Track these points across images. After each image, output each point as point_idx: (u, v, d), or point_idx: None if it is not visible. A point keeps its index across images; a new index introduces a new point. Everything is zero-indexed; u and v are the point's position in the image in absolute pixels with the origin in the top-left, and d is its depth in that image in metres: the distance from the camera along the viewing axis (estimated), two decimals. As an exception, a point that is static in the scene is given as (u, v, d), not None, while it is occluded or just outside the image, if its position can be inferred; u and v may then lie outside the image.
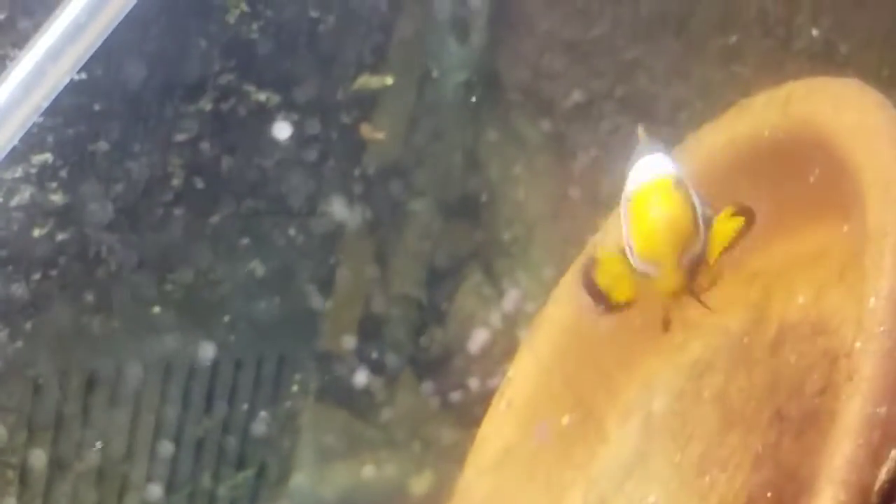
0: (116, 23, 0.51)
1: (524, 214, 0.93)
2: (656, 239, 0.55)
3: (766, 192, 0.71)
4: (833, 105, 0.67)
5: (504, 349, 0.86)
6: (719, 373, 0.71)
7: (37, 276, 0.79)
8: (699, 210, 0.57)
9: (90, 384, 0.82)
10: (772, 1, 0.82)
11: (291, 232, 0.89)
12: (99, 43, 0.52)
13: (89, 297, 0.82)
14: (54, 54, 0.49)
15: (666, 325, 0.62)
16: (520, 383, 0.79)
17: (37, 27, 0.76)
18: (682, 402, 0.72)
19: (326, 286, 0.92)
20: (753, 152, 0.72)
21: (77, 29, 0.50)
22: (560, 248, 0.87)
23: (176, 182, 0.84)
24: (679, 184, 0.56)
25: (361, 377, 0.92)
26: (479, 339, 0.89)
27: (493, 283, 0.93)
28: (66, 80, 0.52)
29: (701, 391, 0.71)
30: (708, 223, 0.57)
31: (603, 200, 0.83)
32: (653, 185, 0.56)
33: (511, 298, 0.91)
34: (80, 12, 0.50)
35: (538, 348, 0.79)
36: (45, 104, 0.51)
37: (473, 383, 0.87)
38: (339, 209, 0.91)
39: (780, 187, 0.70)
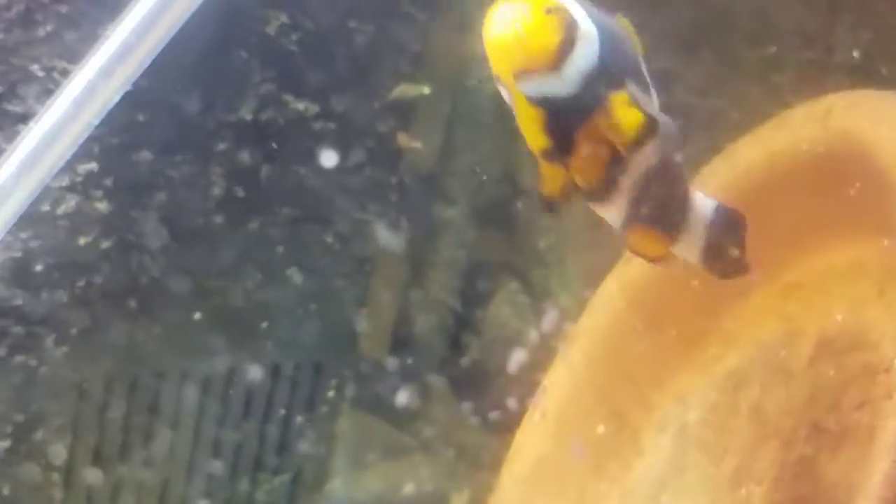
0: (164, 44, 0.53)
1: (560, 223, 0.93)
2: (490, 43, 0.50)
3: (804, 205, 0.71)
4: (873, 118, 0.67)
5: (539, 359, 0.86)
6: (755, 385, 0.71)
7: (81, 283, 0.81)
8: (585, 49, 0.51)
9: (132, 390, 0.84)
10: (810, 12, 0.82)
11: (328, 239, 0.90)
12: (147, 63, 0.53)
13: (132, 304, 0.83)
14: (106, 72, 0.51)
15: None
16: (554, 393, 0.79)
17: (82, 39, 0.78)
18: (718, 415, 0.72)
19: (362, 293, 0.92)
20: (792, 165, 0.72)
21: (127, 49, 0.51)
22: (596, 257, 0.88)
23: (216, 191, 0.85)
24: (549, 9, 0.50)
25: (396, 384, 0.93)
26: (513, 348, 0.90)
27: (529, 291, 0.94)
28: (116, 99, 0.53)
29: (736, 404, 0.71)
30: (606, 72, 0.51)
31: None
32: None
33: (546, 308, 0.91)
34: (130, 34, 0.51)
35: (573, 359, 0.79)
36: (96, 121, 0.53)
37: (509, 392, 0.87)
38: (375, 217, 0.91)
39: (818, 200, 0.70)
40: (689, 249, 0.60)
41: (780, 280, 0.73)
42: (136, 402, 0.84)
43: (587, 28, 0.52)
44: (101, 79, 0.51)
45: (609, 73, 0.52)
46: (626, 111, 0.53)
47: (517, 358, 0.89)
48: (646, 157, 0.55)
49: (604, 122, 0.53)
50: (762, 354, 0.72)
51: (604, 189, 0.55)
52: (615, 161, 0.54)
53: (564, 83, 0.51)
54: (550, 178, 0.55)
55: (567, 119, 0.52)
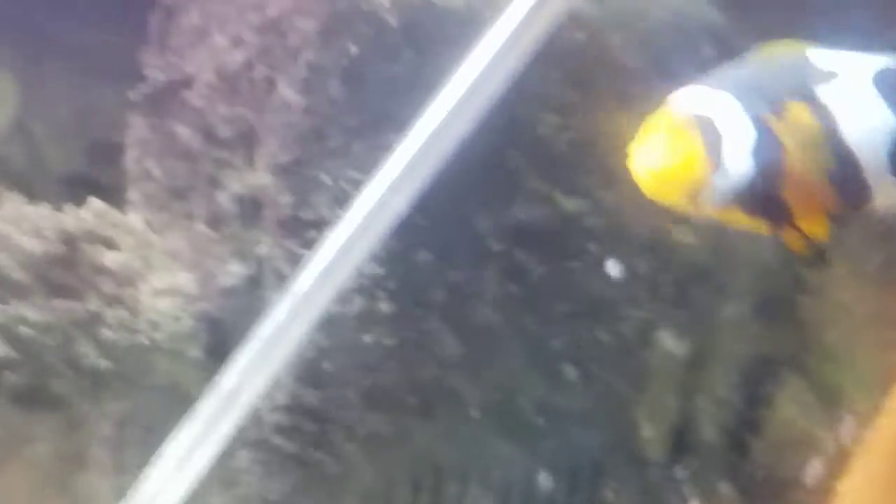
0: (448, 156, 0.55)
1: (847, 317, 0.88)
2: (644, 188, 0.51)
3: None
4: None
5: (831, 461, 0.81)
6: None
7: (367, 382, 0.84)
8: (735, 139, 0.48)
9: (415, 488, 0.86)
10: None
11: (605, 337, 0.90)
12: (431, 176, 0.56)
13: (413, 402, 0.86)
14: (396, 188, 0.54)
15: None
16: (851, 499, 0.74)
17: (369, 149, 0.82)
18: None
19: (639, 390, 0.91)
20: None
21: (414, 166, 0.54)
22: (888, 354, 0.82)
23: (492, 289, 0.87)
24: (688, 124, 0.48)
25: (677, 483, 0.90)
26: (803, 451, 0.85)
27: (815, 389, 0.89)
28: (405, 208, 0.56)
29: None
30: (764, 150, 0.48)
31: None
32: (655, 123, 0.50)
33: (836, 407, 0.86)
34: (418, 152, 0.54)
35: (871, 462, 0.74)
36: (387, 231, 0.56)
37: (802, 501, 0.83)
38: (651, 313, 0.90)
39: None
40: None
41: None
42: (419, 500, 0.86)
43: (730, 117, 0.49)
44: (391, 193, 0.54)
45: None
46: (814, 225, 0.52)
47: (806, 459, 0.84)
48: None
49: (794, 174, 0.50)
50: None
51: (842, 224, 0.54)
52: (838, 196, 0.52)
53: (732, 178, 0.50)
54: (793, 243, 0.55)
55: (765, 191, 0.51)
